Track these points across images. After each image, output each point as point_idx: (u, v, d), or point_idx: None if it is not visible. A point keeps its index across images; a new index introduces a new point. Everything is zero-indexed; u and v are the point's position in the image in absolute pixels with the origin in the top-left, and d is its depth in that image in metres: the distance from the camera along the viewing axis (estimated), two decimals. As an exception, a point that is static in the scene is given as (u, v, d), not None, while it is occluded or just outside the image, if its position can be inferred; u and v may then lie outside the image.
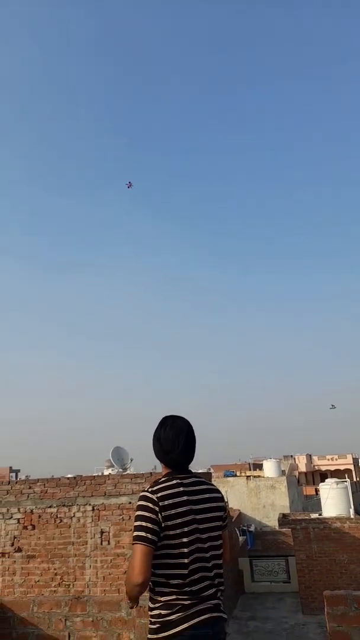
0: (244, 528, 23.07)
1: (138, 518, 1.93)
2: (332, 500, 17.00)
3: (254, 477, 29.56)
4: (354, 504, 17.34)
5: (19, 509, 10.03)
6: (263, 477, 28.70)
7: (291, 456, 46.22)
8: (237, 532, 21.03)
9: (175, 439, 2.13)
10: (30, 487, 10.23)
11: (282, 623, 14.57)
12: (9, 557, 9.79)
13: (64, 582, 9.40)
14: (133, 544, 1.91)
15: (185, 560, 1.89)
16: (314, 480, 45.08)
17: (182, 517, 1.93)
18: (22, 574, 9.64)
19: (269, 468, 28.98)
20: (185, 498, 1.97)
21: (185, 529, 1.91)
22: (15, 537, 9.87)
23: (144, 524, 1.89)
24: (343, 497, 17.01)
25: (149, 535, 1.88)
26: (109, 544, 9.41)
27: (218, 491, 2.17)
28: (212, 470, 28.84)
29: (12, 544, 9.87)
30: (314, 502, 27.35)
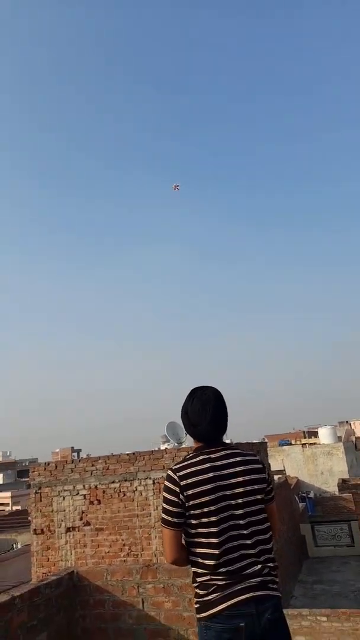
0: (303, 495, 23.09)
1: (163, 499, 1.89)
2: (393, 464, 16.63)
3: (310, 444, 29.38)
4: None
5: (84, 486, 10.51)
6: (319, 444, 28.45)
7: (346, 422, 45.45)
8: (297, 499, 21.10)
9: (202, 410, 1.98)
10: (92, 465, 10.66)
11: (349, 586, 14.61)
12: (79, 531, 10.34)
13: (132, 552, 9.84)
14: (160, 525, 1.90)
15: (215, 540, 1.78)
16: (372, 444, 44.21)
17: (208, 494, 1.81)
18: (92, 546, 10.17)
19: (325, 435, 28.65)
20: (211, 474, 1.85)
21: (213, 507, 1.80)
22: (83, 512, 10.38)
23: (166, 506, 1.86)
24: None
25: (171, 518, 1.84)
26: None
27: (257, 462, 1.97)
28: (266, 440, 28.89)
29: (81, 518, 10.39)
30: (374, 467, 26.91)
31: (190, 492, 1.82)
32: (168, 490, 1.88)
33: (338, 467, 25.32)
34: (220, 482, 1.85)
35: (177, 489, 1.84)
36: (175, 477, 1.87)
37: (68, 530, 10.39)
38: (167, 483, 1.90)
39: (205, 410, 1.98)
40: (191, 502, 1.82)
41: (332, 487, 24.01)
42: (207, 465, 1.88)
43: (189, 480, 1.84)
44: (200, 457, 1.91)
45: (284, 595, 13.42)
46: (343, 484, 17.23)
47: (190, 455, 1.96)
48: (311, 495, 23.62)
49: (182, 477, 1.86)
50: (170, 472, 1.90)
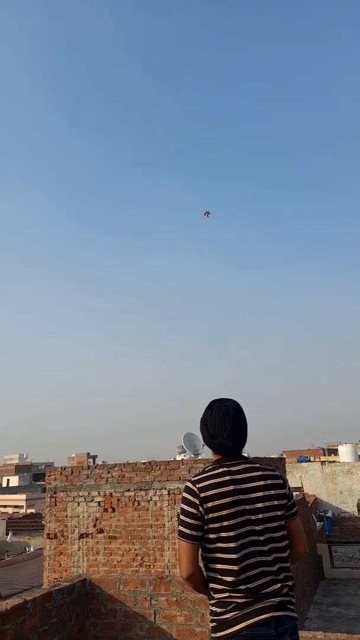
0: (321, 514, 22.58)
1: (181, 511, 1.84)
2: None
3: (329, 462, 28.81)
4: None
5: (99, 492, 10.50)
6: (339, 462, 27.88)
7: (367, 441, 44.38)
8: (314, 517, 20.63)
9: (222, 422, 1.94)
10: (108, 472, 10.65)
11: (366, 610, 14.13)
12: (92, 538, 10.31)
13: (144, 563, 9.74)
14: (177, 538, 1.84)
15: (234, 556, 1.73)
16: (393, 465, 43.06)
17: (228, 508, 1.76)
18: (105, 554, 10.12)
19: (345, 453, 28.07)
20: (231, 487, 1.80)
21: (232, 522, 1.75)
22: (97, 519, 10.36)
23: (184, 518, 1.81)
24: None
25: (189, 531, 1.78)
26: (185, 527, 9.62)
27: (279, 477, 1.93)
28: (284, 456, 28.41)
29: (95, 525, 10.37)
30: (395, 488, 26.15)
31: (210, 504, 1.78)
32: (187, 502, 1.82)
33: (358, 487, 24.69)
34: (241, 496, 1.81)
35: (197, 501, 1.80)
36: (195, 489, 1.82)
37: (81, 536, 10.38)
38: (185, 494, 1.85)
39: (224, 422, 1.95)
40: (210, 515, 1.77)
41: (351, 507, 23.43)
42: (227, 478, 1.84)
43: (209, 493, 1.80)
44: (220, 470, 1.87)
45: (299, 616, 13.04)
46: (363, 505, 16.81)
47: (210, 467, 1.93)
48: (329, 514, 23.08)
49: (201, 489, 1.81)
50: (189, 484, 1.86)
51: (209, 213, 22.32)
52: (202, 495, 1.80)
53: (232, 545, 1.75)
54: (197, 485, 1.83)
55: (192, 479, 1.88)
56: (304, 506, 18.88)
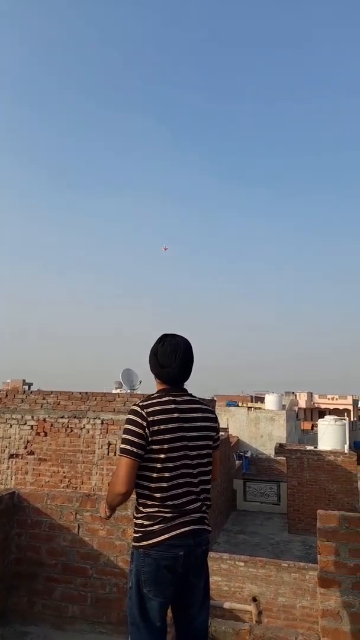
0: (241, 453, 24.34)
1: (126, 431, 1.94)
2: (329, 436, 17.69)
3: (255, 408, 30.69)
4: (349, 441, 18.07)
5: (32, 417, 10.63)
6: (264, 409, 29.75)
7: (293, 393, 47.43)
8: (235, 456, 22.21)
9: (172, 354, 2.06)
10: (44, 398, 10.75)
11: (269, 539, 15.77)
12: (22, 459, 10.54)
13: (71, 485, 10.17)
14: (119, 455, 1.95)
15: (168, 474, 1.91)
16: (312, 416, 46.64)
17: (171, 433, 1.92)
18: (33, 474, 10.43)
19: (270, 401, 29.93)
20: (176, 415, 1.96)
21: (172, 445, 1.92)
22: (28, 442, 10.55)
23: (130, 437, 1.91)
24: (340, 433, 17.67)
25: (135, 449, 1.89)
26: (115, 455, 10.05)
27: (212, 412, 2.13)
28: (215, 399, 29.89)
29: (25, 447, 10.58)
30: (310, 436, 28.51)
31: (155, 428, 1.91)
32: (134, 423, 1.92)
33: (277, 433, 26.69)
34: (183, 424, 1.97)
35: (144, 423, 1.91)
36: (143, 413, 1.93)
37: (11, 456, 10.58)
38: (132, 417, 1.94)
39: (175, 353, 2.07)
40: (155, 438, 1.90)
41: (269, 450, 25.40)
42: (173, 406, 1.99)
43: (156, 417, 1.92)
44: (167, 398, 2.01)
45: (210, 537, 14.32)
46: (279, 448, 18.29)
47: (157, 395, 2.04)
48: (248, 454, 24.96)
49: (149, 414, 1.93)
50: (136, 407, 1.96)
51: (167, 248, 23.44)
52: (149, 418, 1.92)
53: (168, 465, 1.92)
54: (145, 410, 1.94)
55: (140, 404, 1.97)
56: (227, 445, 20.21)
